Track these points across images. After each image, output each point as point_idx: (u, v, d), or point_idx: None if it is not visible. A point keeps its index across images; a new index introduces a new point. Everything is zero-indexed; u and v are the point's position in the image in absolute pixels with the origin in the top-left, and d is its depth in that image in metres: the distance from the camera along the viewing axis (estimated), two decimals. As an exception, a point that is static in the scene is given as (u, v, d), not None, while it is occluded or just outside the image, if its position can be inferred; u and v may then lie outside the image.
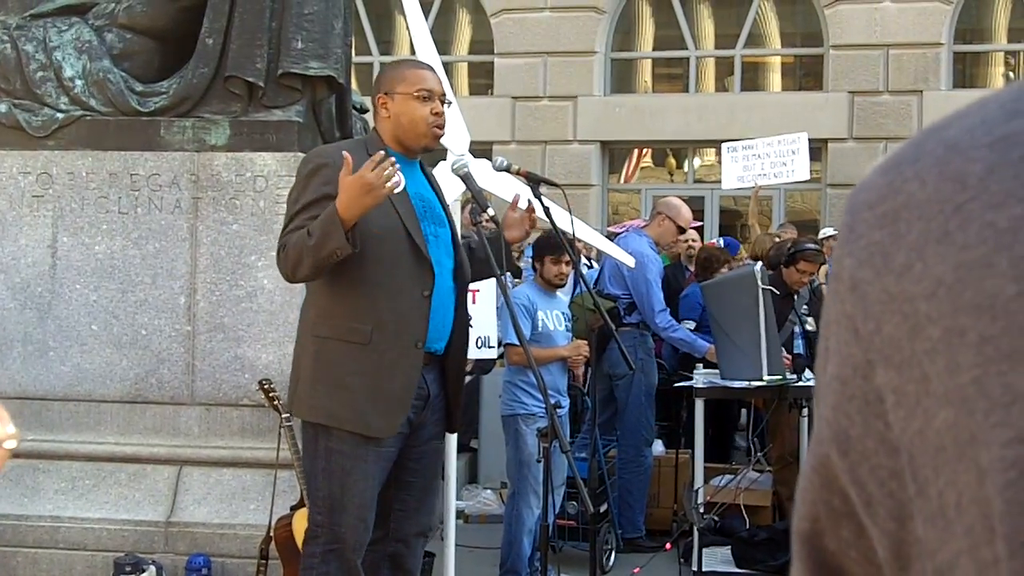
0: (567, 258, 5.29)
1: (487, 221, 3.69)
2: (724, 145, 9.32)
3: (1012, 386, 0.39)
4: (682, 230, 6.79)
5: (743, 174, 8.93)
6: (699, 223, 11.70)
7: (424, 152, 3.75)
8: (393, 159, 3.34)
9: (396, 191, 3.46)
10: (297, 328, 3.74)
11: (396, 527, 3.73)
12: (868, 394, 0.45)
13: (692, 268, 8.17)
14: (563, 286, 5.82)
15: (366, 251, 3.42)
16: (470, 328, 4.01)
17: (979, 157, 0.43)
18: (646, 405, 6.41)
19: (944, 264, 0.42)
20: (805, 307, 6.77)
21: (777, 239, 8.01)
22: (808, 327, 6.59)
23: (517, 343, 4.85)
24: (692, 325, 6.90)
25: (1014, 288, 0.40)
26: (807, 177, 8.98)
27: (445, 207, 3.80)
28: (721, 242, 9.08)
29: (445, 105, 3.67)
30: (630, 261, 6.14)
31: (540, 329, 5.49)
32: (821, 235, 9.50)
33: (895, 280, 0.44)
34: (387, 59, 14.53)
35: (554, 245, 5.36)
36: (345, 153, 3.35)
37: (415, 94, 3.59)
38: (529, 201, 3.86)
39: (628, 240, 6.55)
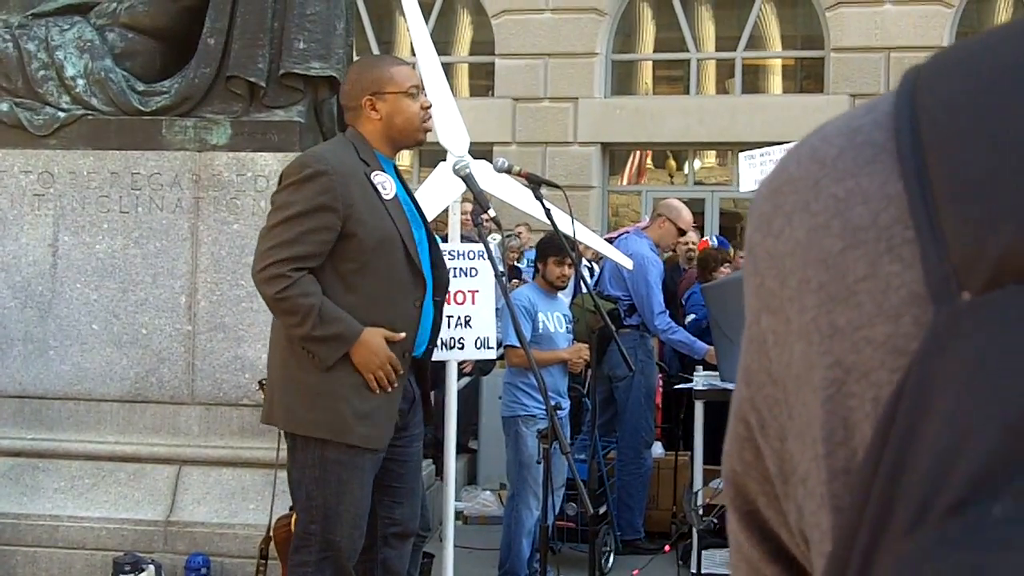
0: (570, 260, 5.29)
1: (487, 221, 3.69)
2: (742, 155, 9.36)
3: (834, 322, 0.49)
4: (682, 232, 6.79)
5: (759, 177, 8.95)
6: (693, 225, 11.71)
7: (414, 147, 3.73)
8: (401, 372, 3.46)
9: (387, 198, 3.47)
10: (273, 340, 3.64)
11: (383, 531, 3.69)
12: (758, 336, 0.55)
13: (688, 268, 8.18)
14: (565, 288, 5.83)
15: (366, 262, 3.40)
16: (470, 328, 4.00)
17: (835, 143, 0.52)
18: (646, 407, 6.41)
19: (802, 227, 0.52)
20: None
21: None
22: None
23: (518, 345, 4.87)
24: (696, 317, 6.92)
25: (840, 244, 0.50)
26: None
27: (418, 205, 3.75)
28: (715, 241, 9.10)
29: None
30: (628, 263, 6.14)
31: (541, 331, 5.49)
32: None
33: (772, 242, 0.54)
34: (388, 60, 14.53)
35: (557, 246, 5.36)
36: (402, 335, 3.44)
37: (408, 91, 3.57)
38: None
39: (628, 242, 6.55)
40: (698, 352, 6.51)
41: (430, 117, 3.64)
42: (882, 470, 0.44)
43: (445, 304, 3.79)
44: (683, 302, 7.72)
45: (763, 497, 0.56)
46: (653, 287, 6.35)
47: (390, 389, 3.41)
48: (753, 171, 9.02)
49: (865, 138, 0.51)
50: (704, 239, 9.04)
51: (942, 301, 0.45)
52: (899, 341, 0.47)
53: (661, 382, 7.74)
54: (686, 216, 6.70)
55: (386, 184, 3.52)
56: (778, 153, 9.00)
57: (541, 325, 5.50)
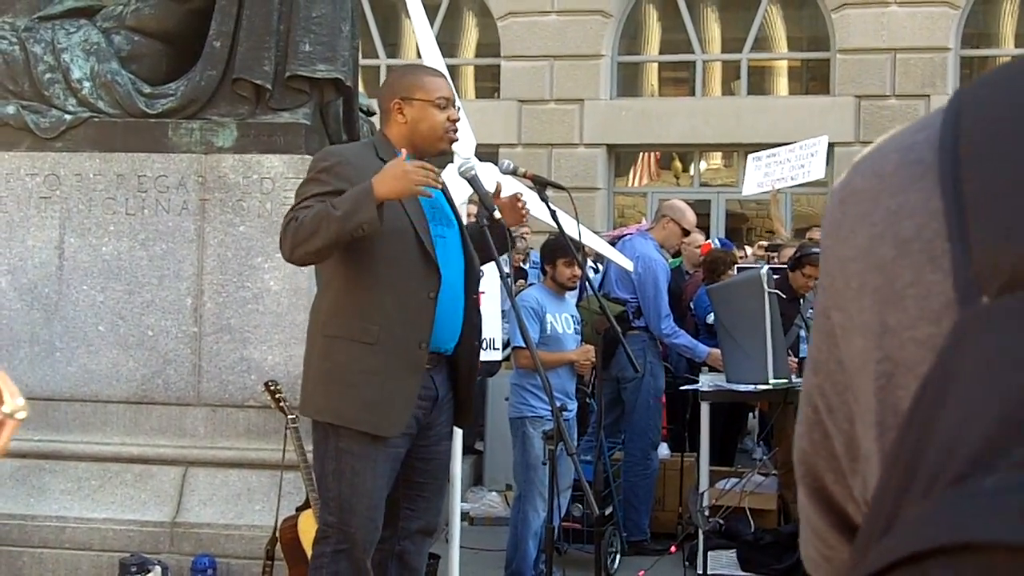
0: (578, 261, 5.30)
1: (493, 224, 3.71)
2: (750, 156, 9.36)
3: (885, 322, 0.55)
4: (686, 232, 6.80)
5: (763, 180, 8.95)
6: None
7: (437, 156, 3.77)
8: (440, 177, 3.40)
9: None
10: (307, 328, 3.74)
11: (404, 526, 3.75)
12: (828, 329, 0.60)
13: (692, 272, 8.17)
14: (575, 288, 5.83)
15: (377, 251, 3.44)
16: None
17: (892, 158, 0.58)
18: (654, 408, 6.41)
19: (863, 235, 0.58)
20: (811, 311, 6.77)
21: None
22: (814, 331, 6.58)
23: (524, 346, 4.88)
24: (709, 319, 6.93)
25: (892, 253, 0.56)
26: (822, 175, 9.00)
27: (453, 207, 3.81)
28: (717, 243, 9.09)
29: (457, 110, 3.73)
30: (629, 265, 6.14)
31: (548, 332, 5.49)
32: None
33: (841, 247, 0.60)
34: (394, 62, 14.55)
35: (566, 247, 5.36)
36: (403, 150, 3.44)
37: (435, 101, 3.63)
38: (516, 195, 3.86)
39: (635, 243, 6.54)
40: (700, 355, 6.52)
41: (456, 130, 3.69)
42: (907, 446, 0.50)
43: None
44: (691, 306, 7.72)
45: (831, 474, 0.62)
46: (660, 290, 6.35)
47: (434, 177, 3.37)
48: (757, 174, 9.02)
49: (916, 156, 0.57)
50: (707, 241, 9.04)
51: (966, 304, 0.51)
52: (939, 341, 0.53)
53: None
54: (690, 216, 6.70)
55: None
56: (785, 154, 9.00)
57: (549, 326, 5.50)
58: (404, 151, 3.46)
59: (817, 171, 8.76)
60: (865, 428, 0.57)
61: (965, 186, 0.53)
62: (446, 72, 4.66)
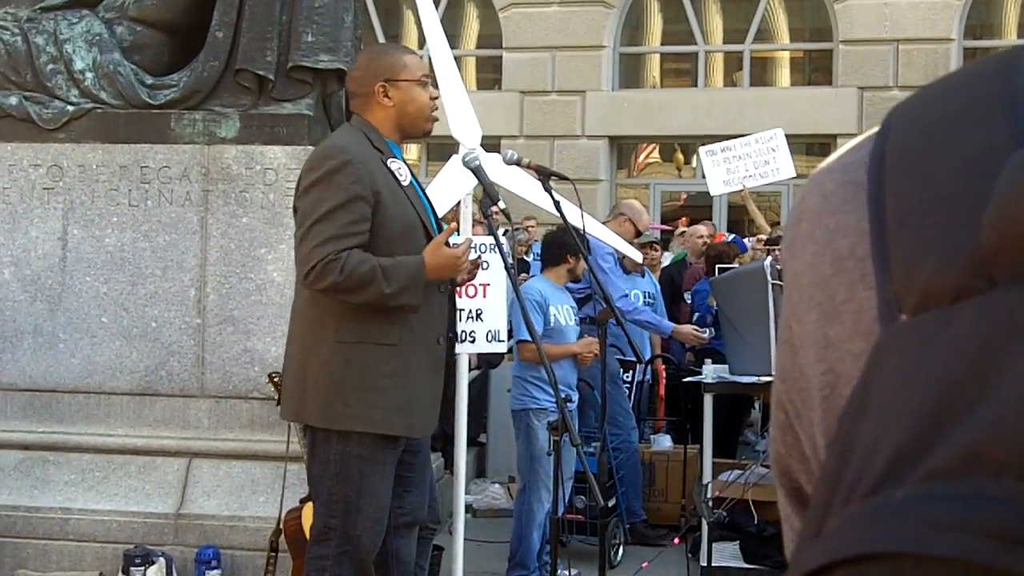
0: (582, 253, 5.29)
1: (497, 214, 3.69)
2: (702, 149, 9.26)
3: (827, 335, 0.58)
4: (639, 233, 6.93)
5: (728, 177, 8.89)
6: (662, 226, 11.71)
7: (421, 137, 3.72)
8: (477, 250, 3.50)
9: (404, 184, 3.48)
10: (297, 335, 3.56)
11: (394, 520, 3.68)
12: (790, 338, 0.63)
13: (695, 262, 8.17)
14: (580, 280, 5.84)
15: (391, 251, 3.37)
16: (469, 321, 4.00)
17: (833, 178, 0.61)
18: (614, 393, 6.38)
19: (809, 252, 0.60)
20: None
21: None
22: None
23: (529, 339, 4.88)
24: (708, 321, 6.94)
25: (830, 270, 0.58)
26: (793, 174, 8.92)
27: (425, 193, 3.75)
28: (729, 237, 9.07)
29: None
30: (638, 256, 6.15)
31: (552, 324, 5.49)
32: None
33: (794, 262, 0.62)
34: (395, 53, 14.52)
35: (574, 244, 5.35)
36: (469, 237, 3.55)
37: (421, 80, 3.57)
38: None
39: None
40: (665, 330, 6.71)
41: (436, 108, 3.63)
42: (832, 459, 0.53)
43: (456, 297, 3.79)
44: (690, 297, 7.72)
45: (804, 475, 0.64)
46: (607, 271, 6.40)
47: (472, 270, 3.49)
48: (718, 169, 8.95)
49: (851, 176, 0.59)
50: (720, 233, 9.03)
51: (886, 322, 0.54)
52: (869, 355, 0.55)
53: (666, 375, 7.75)
54: (645, 220, 6.93)
55: (402, 170, 3.53)
56: (741, 148, 8.92)
57: (552, 318, 5.50)
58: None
59: (786, 169, 8.70)
60: (818, 435, 0.60)
61: (888, 206, 0.55)
62: (453, 63, 4.65)
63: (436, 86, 3.93)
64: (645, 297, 6.95)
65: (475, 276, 3.50)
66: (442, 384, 3.52)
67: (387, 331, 3.39)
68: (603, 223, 6.92)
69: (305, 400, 3.48)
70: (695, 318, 7.31)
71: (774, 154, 8.68)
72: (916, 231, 0.53)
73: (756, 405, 8.41)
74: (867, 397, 0.52)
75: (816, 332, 0.59)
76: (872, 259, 0.56)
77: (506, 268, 3.91)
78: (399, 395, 3.41)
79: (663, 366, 7.64)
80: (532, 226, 10.57)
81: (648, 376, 7.18)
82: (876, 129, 0.60)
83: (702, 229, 8.83)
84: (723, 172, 8.89)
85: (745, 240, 9.36)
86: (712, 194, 9.80)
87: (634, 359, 6.58)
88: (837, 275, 0.58)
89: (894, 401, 0.50)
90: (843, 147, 0.63)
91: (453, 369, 4.71)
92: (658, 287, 7.29)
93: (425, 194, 3.74)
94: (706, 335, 6.73)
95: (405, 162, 3.65)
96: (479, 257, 3.51)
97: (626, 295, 6.47)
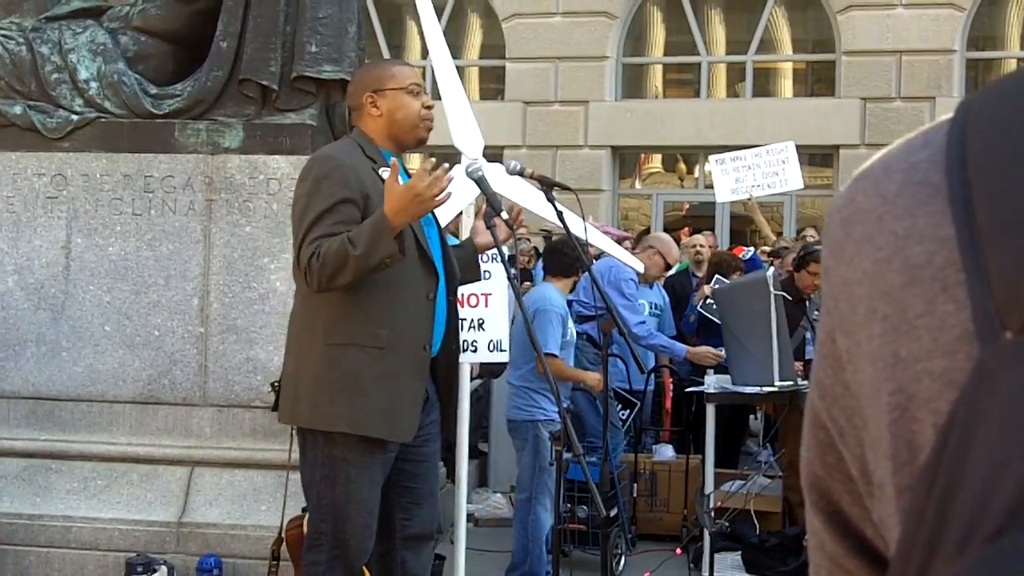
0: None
1: (500, 224, 3.69)
2: (712, 157, 9.30)
3: (897, 352, 0.53)
4: (669, 267, 6.98)
5: (736, 186, 8.91)
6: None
7: (417, 146, 3.73)
8: (449, 169, 3.30)
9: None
10: (292, 339, 3.62)
11: (401, 534, 3.69)
12: (834, 353, 0.58)
13: (700, 275, 8.17)
14: None
15: None
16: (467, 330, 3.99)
17: (896, 178, 0.56)
18: (588, 410, 6.36)
19: (868, 259, 0.56)
20: (817, 312, 6.76)
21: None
22: (820, 332, 6.58)
23: (557, 354, 4.94)
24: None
25: (901, 280, 0.53)
26: (801, 186, 8.96)
27: None
28: (747, 253, 9.03)
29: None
30: (639, 266, 6.16)
31: (568, 338, 5.51)
32: None
33: (845, 268, 0.57)
34: (399, 63, 14.54)
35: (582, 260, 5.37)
36: (393, 159, 3.37)
37: (408, 88, 3.58)
38: (508, 214, 3.67)
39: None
40: (679, 354, 6.66)
41: (431, 117, 3.64)
42: (934, 495, 0.48)
43: (458, 306, 3.78)
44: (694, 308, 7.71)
45: (847, 496, 0.60)
46: (627, 296, 6.42)
47: (446, 182, 3.23)
48: (727, 178, 8.98)
49: (922, 177, 0.55)
50: (739, 247, 9.07)
51: (987, 340, 0.49)
52: (955, 375, 0.51)
53: (671, 385, 7.75)
54: (675, 253, 7.05)
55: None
56: (751, 159, 8.95)
57: (569, 332, 5.54)
58: (394, 159, 3.38)
59: (794, 181, 8.73)
60: (877, 458, 0.56)
61: (978, 212, 0.51)
62: (456, 73, 4.65)
63: (437, 96, 3.93)
64: (652, 308, 6.95)
65: (446, 189, 3.24)
66: (423, 390, 3.51)
67: (375, 334, 3.41)
68: (632, 251, 6.98)
69: (298, 401, 3.52)
70: (683, 316, 7.34)
71: (784, 166, 8.70)
72: (1018, 240, 0.49)
73: (757, 415, 8.41)
74: (975, 426, 0.47)
75: (880, 348, 0.54)
76: (963, 269, 0.51)
77: (508, 278, 3.92)
78: (383, 399, 3.42)
79: (670, 379, 7.63)
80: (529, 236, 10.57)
81: (651, 386, 7.17)
82: (936, 127, 0.56)
83: (700, 239, 8.85)
84: (731, 181, 8.92)
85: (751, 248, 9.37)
86: (718, 201, 9.84)
87: (633, 399, 6.63)
88: (910, 285, 0.53)
89: (1013, 431, 0.45)
90: (894, 145, 0.58)
91: (457, 379, 4.72)
92: (666, 298, 7.29)
93: None
94: (723, 354, 6.69)
95: (406, 171, 3.67)
96: (446, 171, 3.26)
97: (643, 322, 6.48)
